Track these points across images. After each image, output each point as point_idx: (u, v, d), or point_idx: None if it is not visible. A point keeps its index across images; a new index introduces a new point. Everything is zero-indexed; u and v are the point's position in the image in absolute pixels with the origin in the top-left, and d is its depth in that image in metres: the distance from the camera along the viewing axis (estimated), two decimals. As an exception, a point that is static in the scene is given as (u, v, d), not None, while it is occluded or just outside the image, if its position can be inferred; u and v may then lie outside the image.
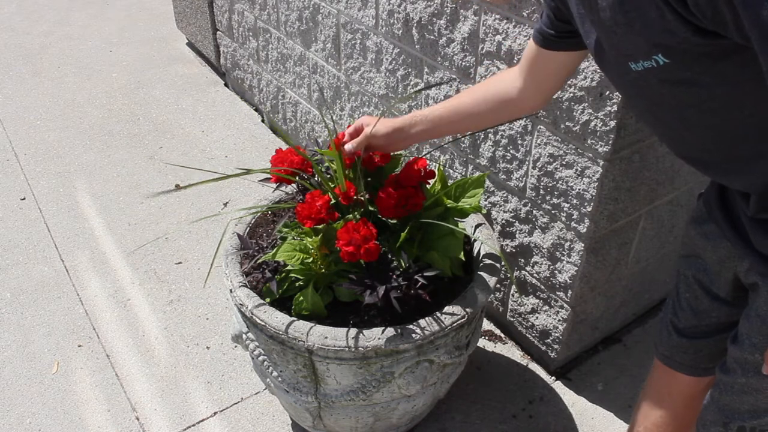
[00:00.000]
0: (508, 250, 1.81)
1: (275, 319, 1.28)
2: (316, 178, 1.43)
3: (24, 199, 2.60)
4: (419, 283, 1.30)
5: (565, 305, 1.69)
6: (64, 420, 1.73)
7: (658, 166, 1.57)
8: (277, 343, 1.32)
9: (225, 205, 2.57)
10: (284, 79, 2.73)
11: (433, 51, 1.77)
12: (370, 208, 1.37)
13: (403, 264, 1.32)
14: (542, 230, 1.66)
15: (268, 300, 1.35)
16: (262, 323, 1.29)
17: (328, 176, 1.41)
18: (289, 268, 1.33)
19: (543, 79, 1.12)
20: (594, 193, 1.48)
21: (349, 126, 1.34)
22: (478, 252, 1.49)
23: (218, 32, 3.27)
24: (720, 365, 1.03)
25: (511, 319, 1.91)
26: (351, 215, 1.35)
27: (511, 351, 1.92)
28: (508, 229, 1.78)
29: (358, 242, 1.22)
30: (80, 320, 2.04)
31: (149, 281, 2.19)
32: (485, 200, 1.81)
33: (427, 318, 1.28)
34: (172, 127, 3.11)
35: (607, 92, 1.35)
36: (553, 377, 1.83)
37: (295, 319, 1.28)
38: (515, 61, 1.52)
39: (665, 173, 1.61)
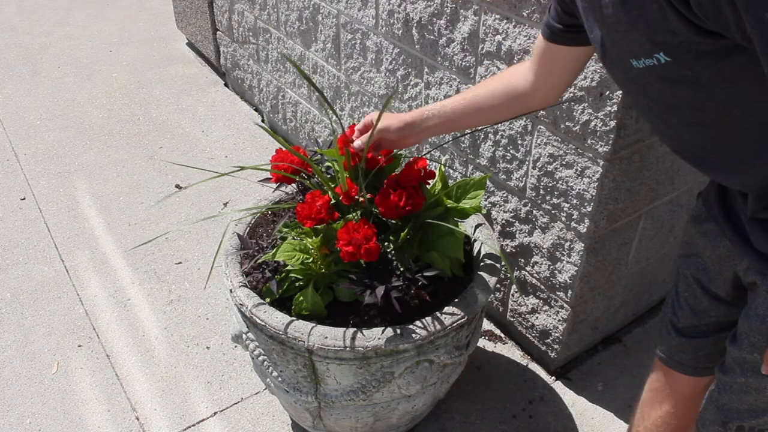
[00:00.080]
0: (508, 250, 1.81)
1: (275, 319, 1.28)
2: (316, 178, 1.43)
3: (24, 199, 2.61)
4: (419, 283, 1.30)
5: (565, 305, 1.69)
6: (64, 420, 1.73)
7: (658, 166, 1.57)
8: (277, 343, 1.32)
9: (225, 205, 2.57)
10: (284, 79, 2.73)
11: (433, 51, 1.77)
12: (371, 209, 1.37)
13: (403, 264, 1.32)
14: (542, 230, 1.66)
15: (268, 300, 1.35)
16: (262, 323, 1.29)
17: (329, 176, 1.41)
18: (289, 268, 1.33)
19: (552, 74, 1.11)
20: (594, 193, 1.48)
21: (352, 125, 1.34)
22: (478, 252, 1.49)
23: (218, 32, 3.27)
24: (719, 365, 1.03)
25: (511, 319, 1.91)
26: (351, 215, 1.35)
27: (511, 351, 1.92)
28: (508, 229, 1.78)
29: (358, 242, 1.22)
30: (80, 320, 2.04)
31: (149, 281, 2.19)
32: (485, 200, 1.81)
33: (427, 318, 1.28)
34: (172, 127, 3.11)
35: (607, 92, 1.35)
36: (553, 377, 1.84)
37: (295, 319, 1.28)
38: (515, 61, 1.52)
39: (665, 173, 1.61)
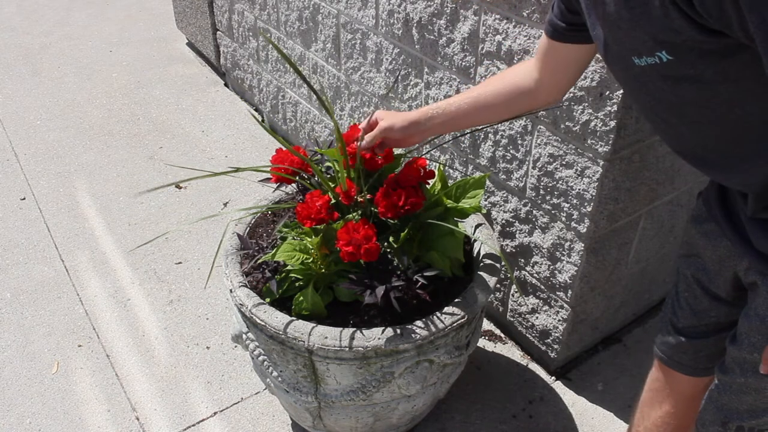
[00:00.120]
0: (508, 250, 1.81)
1: (275, 319, 1.28)
2: (316, 178, 1.43)
3: (24, 199, 2.61)
4: (419, 283, 1.30)
5: (565, 305, 1.69)
6: (64, 420, 1.73)
7: (658, 166, 1.57)
8: (277, 343, 1.32)
9: (225, 205, 2.57)
10: (284, 79, 2.73)
11: (433, 51, 1.77)
12: (371, 209, 1.37)
13: (403, 264, 1.32)
14: (542, 230, 1.66)
15: (268, 300, 1.35)
16: (262, 323, 1.29)
17: (328, 176, 1.41)
18: (289, 268, 1.33)
19: (556, 72, 1.11)
20: (594, 193, 1.48)
21: (354, 125, 1.34)
22: (478, 252, 1.49)
23: (218, 32, 3.27)
24: (719, 365, 1.03)
25: (511, 319, 1.91)
26: (351, 215, 1.35)
27: (511, 351, 1.92)
28: (508, 229, 1.78)
29: (358, 242, 1.22)
30: (80, 320, 2.04)
31: (149, 281, 2.19)
32: (485, 200, 1.81)
33: (427, 318, 1.28)
34: (172, 127, 3.11)
35: (607, 92, 1.35)
36: (553, 377, 1.84)
37: (295, 319, 1.28)
38: (515, 61, 1.52)
39: (665, 173, 1.61)
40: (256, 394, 1.79)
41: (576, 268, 1.61)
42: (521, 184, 1.67)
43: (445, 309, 1.30)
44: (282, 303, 1.35)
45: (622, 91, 1.32)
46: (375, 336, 1.24)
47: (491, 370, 1.86)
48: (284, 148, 1.42)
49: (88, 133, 3.06)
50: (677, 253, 1.15)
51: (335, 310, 1.34)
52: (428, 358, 1.32)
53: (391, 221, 1.38)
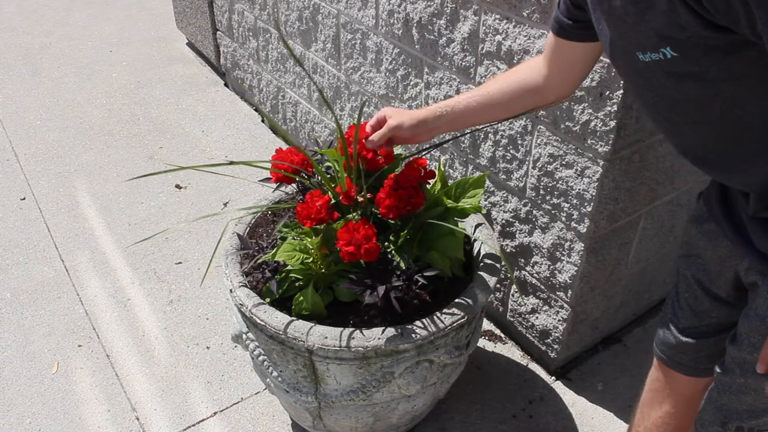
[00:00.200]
0: (508, 250, 1.81)
1: (275, 319, 1.28)
2: (316, 178, 1.43)
3: (24, 199, 2.61)
4: (419, 283, 1.30)
5: (565, 305, 1.69)
6: (64, 420, 1.73)
7: (658, 166, 1.57)
8: (277, 343, 1.32)
9: (225, 205, 2.57)
10: (284, 79, 2.73)
11: (433, 51, 1.77)
12: (371, 209, 1.37)
13: (403, 264, 1.32)
14: (542, 230, 1.66)
15: (268, 300, 1.35)
16: (262, 323, 1.29)
17: (329, 176, 1.41)
18: (289, 268, 1.33)
19: (563, 70, 1.11)
20: (594, 193, 1.48)
21: (356, 124, 1.34)
22: (478, 252, 1.49)
23: (218, 32, 3.27)
24: (719, 365, 1.03)
25: (511, 319, 1.91)
26: (351, 215, 1.35)
27: (511, 351, 1.92)
28: (508, 229, 1.78)
29: (359, 242, 1.22)
30: (80, 320, 2.04)
31: (149, 281, 2.19)
32: (485, 200, 1.81)
33: (427, 318, 1.28)
34: (172, 127, 3.11)
35: (607, 92, 1.35)
36: (553, 377, 1.83)
37: (295, 319, 1.28)
38: (515, 61, 1.52)
39: (665, 173, 1.61)
40: (256, 394, 1.79)
41: (576, 268, 1.61)
42: (521, 184, 1.67)
43: (445, 309, 1.30)
44: (282, 303, 1.35)
45: (622, 91, 1.32)
46: (375, 336, 1.24)
47: (491, 370, 1.86)
48: (284, 148, 1.42)
49: (88, 133, 3.06)
50: (677, 253, 1.15)
51: (335, 310, 1.34)
52: (428, 358, 1.32)
53: (391, 221, 1.38)
